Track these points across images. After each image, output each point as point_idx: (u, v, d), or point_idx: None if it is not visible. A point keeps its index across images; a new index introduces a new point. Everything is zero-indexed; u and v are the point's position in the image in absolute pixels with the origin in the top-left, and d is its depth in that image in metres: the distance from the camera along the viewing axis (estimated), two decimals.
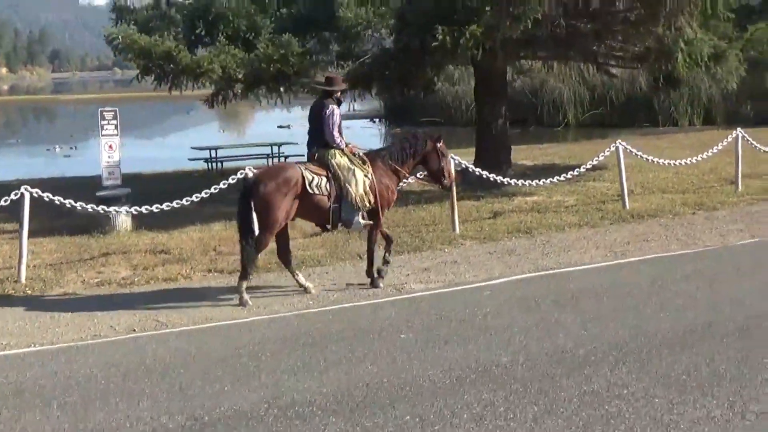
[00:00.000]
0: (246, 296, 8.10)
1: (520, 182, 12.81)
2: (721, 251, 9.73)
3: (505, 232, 11.39)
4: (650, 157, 13.61)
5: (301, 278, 8.61)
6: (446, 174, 8.94)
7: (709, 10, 12.77)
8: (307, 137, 8.69)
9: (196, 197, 10.65)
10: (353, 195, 8.20)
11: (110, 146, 12.10)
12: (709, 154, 14.08)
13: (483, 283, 8.62)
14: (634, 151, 13.37)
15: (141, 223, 12.08)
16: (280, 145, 18.79)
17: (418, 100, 37.25)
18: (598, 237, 10.93)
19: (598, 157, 13.08)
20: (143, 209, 10.71)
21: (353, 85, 14.09)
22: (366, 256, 8.85)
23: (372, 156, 8.67)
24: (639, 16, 13.21)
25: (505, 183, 12.54)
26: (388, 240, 8.86)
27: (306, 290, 8.49)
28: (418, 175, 10.12)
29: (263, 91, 13.50)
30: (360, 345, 6.53)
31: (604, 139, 25.79)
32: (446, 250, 10.53)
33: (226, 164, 17.95)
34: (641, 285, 8.14)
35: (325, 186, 8.16)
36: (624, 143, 13.12)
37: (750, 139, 14.42)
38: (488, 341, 6.48)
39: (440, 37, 11.46)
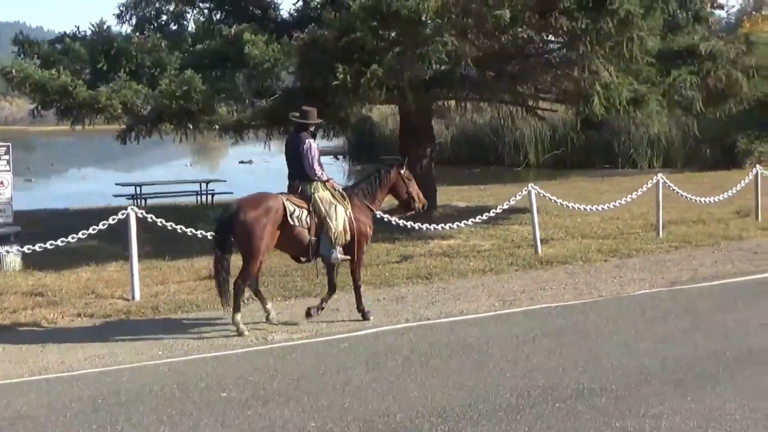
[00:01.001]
0: (243, 326, 8.20)
1: (438, 226, 12.33)
2: (610, 302, 9.35)
3: (404, 277, 11.01)
4: (565, 202, 13.25)
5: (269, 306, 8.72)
6: (415, 198, 8.97)
7: (626, 54, 12.52)
8: (287, 170, 8.66)
9: (73, 237, 10.20)
10: (333, 230, 8.21)
11: (1, 183, 11.67)
12: (628, 199, 13.74)
13: (348, 334, 8.20)
14: (548, 195, 13.04)
15: (34, 262, 11.63)
16: (208, 182, 18.42)
17: (381, 137, 37.28)
18: (497, 284, 10.55)
19: (509, 201, 12.74)
20: (26, 249, 10.26)
21: (264, 124, 13.82)
22: (354, 293, 8.88)
23: (348, 192, 8.70)
24: (555, 59, 13.01)
25: (421, 227, 12.05)
26: (333, 290, 8.92)
27: (268, 319, 8.59)
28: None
29: (166, 127, 13.15)
30: (173, 405, 6.08)
31: (552, 181, 25.62)
32: (335, 296, 10.10)
33: (151, 201, 17.54)
34: (507, 339, 7.73)
35: (306, 219, 8.18)
36: (537, 187, 12.79)
37: (671, 184, 14.14)
38: (309, 404, 6.02)
39: (341, 76, 11.16)
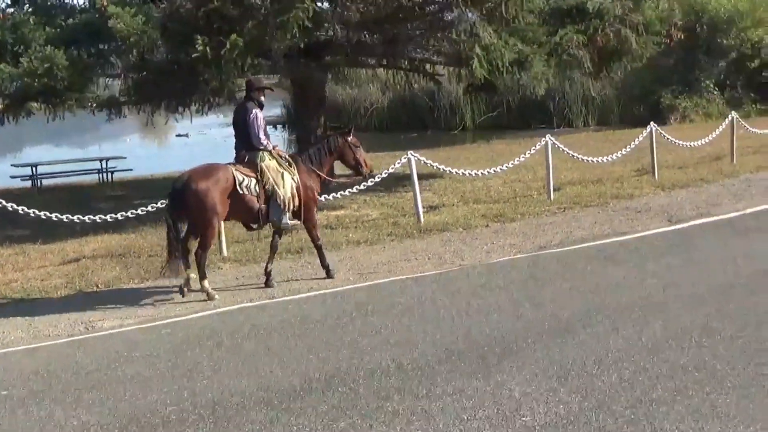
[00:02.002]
0: (212, 291, 8.55)
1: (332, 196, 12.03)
2: (465, 271, 9.13)
3: None
4: (447, 168, 13.04)
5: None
6: (362, 163, 9.24)
7: (504, 15, 12.23)
8: (234, 140, 8.90)
9: None
10: (282, 196, 8.45)
11: None
12: (516, 162, 13.58)
13: (180, 318, 7.94)
14: (430, 162, 12.81)
15: None
16: (108, 159, 17.94)
17: (320, 105, 36.74)
18: (365, 257, 10.32)
19: (389, 168, 12.50)
20: None
21: (138, 100, 13.39)
22: (316, 253, 9.26)
23: (295, 158, 8.95)
24: (434, 22, 12.72)
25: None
26: (274, 250, 9.17)
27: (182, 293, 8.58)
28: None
29: (30, 106, 12.68)
30: None
31: (473, 144, 25.52)
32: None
33: (47, 181, 17.07)
34: (332, 317, 7.48)
35: (255, 187, 8.42)
36: (417, 155, 12.53)
37: (561, 145, 13.99)
38: (86, 399, 5.71)
39: (200, 48, 10.76)
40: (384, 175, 12.39)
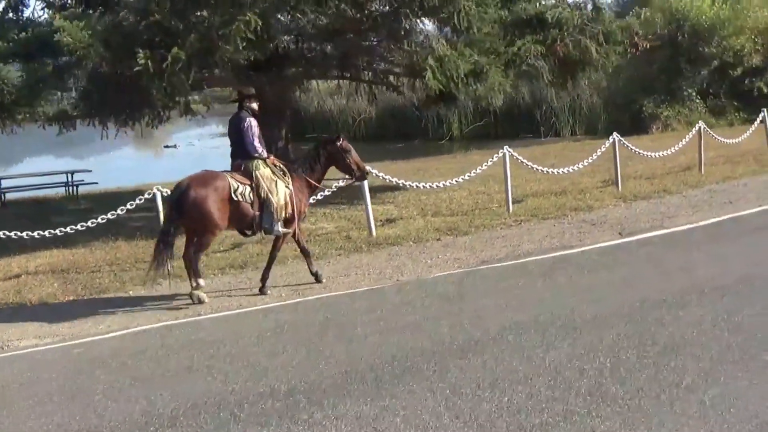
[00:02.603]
0: (203, 294, 8.75)
1: None
2: (396, 287, 8.96)
3: (216, 268, 10.62)
4: (401, 181, 12.89)
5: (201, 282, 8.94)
6: (355, 167, 9.37)
7: (458, 26, 12.11)
8: (230, 149, 9.11)
9: None
10: (274, 204, 8.59)
11: None
12: (472, 174, 13.43)
13: (94, 338, 7.79)
14: (381, 175, 12.65)
15: None
16: (73, 173, 17.84)
17: (306, 115, 36.74)
18: (306, 272, 10.10)
19: (339, 182, 12.31)
20: None
21: (89, 114, 13.29)
22: (267, 261, 9.26)
23: (288, 168, 9.07)
24: (389, 34, 12.60)
25: None
26: (306, 253, 9.38)
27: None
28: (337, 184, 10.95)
29: None
30: None
31: (448, 155, 25.39)
32: (131, 292, 9.71)
33: (10, 195, 16.97)
34: (246, 337, 7.32)
35: (249, 194, 8.58)
36: (368, 167, 12.35)
37: (518, 156, 13.83)
38: None
39: (142, 61, 10.65)
40: (334, 189, 12.18)
